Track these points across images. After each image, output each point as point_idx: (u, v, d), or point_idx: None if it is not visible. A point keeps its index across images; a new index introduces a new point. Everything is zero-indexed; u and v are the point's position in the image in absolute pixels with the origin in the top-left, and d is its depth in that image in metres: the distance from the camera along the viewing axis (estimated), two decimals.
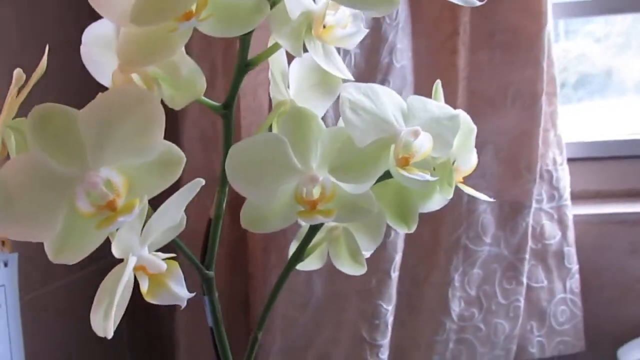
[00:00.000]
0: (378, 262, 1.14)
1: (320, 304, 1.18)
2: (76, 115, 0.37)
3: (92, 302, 0.38)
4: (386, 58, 1.10)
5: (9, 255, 0.84)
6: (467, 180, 0.51)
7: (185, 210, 0.43)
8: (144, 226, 0.40)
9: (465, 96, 1.16)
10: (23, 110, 0.38)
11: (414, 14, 1.14)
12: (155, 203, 0.40)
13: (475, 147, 0.51)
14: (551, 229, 1.23)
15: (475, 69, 1.16)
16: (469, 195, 0.52)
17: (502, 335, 1.21)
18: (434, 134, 0.46)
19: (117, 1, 0.40)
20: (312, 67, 0.50)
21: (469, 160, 0.51)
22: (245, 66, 0.46)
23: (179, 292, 0.41)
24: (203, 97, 0.46)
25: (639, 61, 1.51)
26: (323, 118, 0.49)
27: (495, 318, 1.21)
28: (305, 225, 0.51)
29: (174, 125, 1.16)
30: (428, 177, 0.45)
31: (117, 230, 0.38)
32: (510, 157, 1.17)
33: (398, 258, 1.16)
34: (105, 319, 0.38)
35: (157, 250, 0.43)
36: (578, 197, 1.34)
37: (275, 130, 0.51)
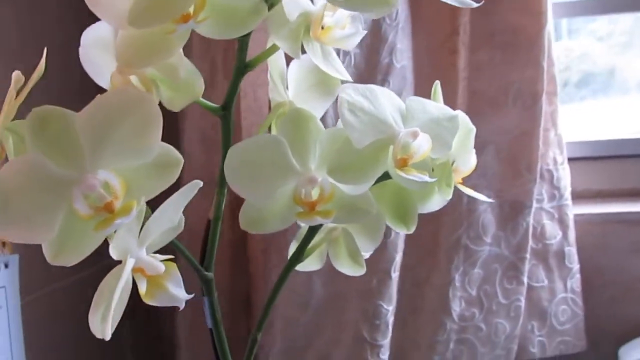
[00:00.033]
0: (378, 262, 1.14)
1: (320, 304, 1.18)
2: (74, 118, 0.37)
3: None
4: (386, 58, 1.10)
5: (10, 256, 0.84)
6: (467, 180, 0.51)
7: (184, 212, 0.43)
8: (142, 228, 0.40)
9: (466, 96, 1.16)
10: (23, 111, 0.38)
11: (414, 14, 1.14)
12: (154, 205, 0.40)
13: (476, 147, 0.51)
14: (552, 229, 1.23)
15: (476, 69, 1.16)
16: (469, 195, 0.52)
17: (503, 335, 1.21)
18: (432, 135, 0.46)
19: (114, 3, 0.40)
20: (310, 68, 0.50)
21: (468, 161, 0.52)
22: (243, 68, 0.46)
23: (177, 293, 0.42)
24: (201, 99, 0.46)
25: None
26: (323, 119, 0.49)
27: (496, 318, 1.21)
28: (304, 226, 0.51)
29: (175, 126, 1.16)
30: (426, 178, 0.45)
31: (115, 232, 0.38)
32: (510, 157, 1.17)
33: (398, 258, 1.16)
34: (103, 321, 0.38)
35: (156, 252, 0.43)
36: (580, 196, 1.34)
37: (274, 131, 0.51)
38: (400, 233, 1.12)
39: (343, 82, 0.49)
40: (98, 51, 0.46)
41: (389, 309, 1.17)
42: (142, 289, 0.40)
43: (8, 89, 0.42)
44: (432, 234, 1.20)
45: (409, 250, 1.19)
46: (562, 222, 1.23)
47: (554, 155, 1.22)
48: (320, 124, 0.46)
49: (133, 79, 0.43)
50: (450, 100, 1.12)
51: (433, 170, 0.49)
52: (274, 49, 0.47)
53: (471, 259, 1.19)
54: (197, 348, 1.22)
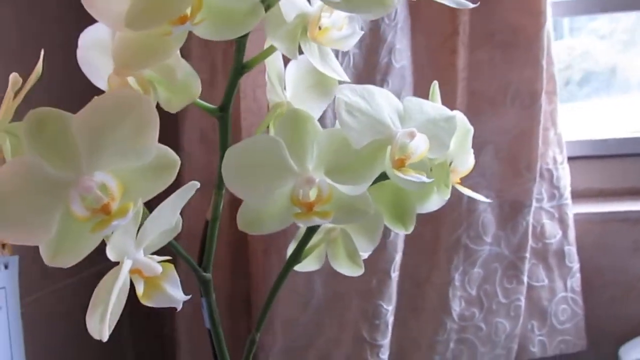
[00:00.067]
0: (378, 262, 1.14)
1: (320, 304, 1.18)
2: (71, 120, 0.37)
3: None
4: (385, 58, 1.10)
5: (10, 257, 0.84)
6: (467, 180, 0.51)
7: (184, 213, 0.43)
8: (139, 229, 0.40)
9: (465, 96, 1.16)
10: (24, 111, 0.38)
11: (413, 14, 1.14)
12: (153, 206, 0.40)
13: (475, 146, 0.51)
14: (552, 228, 1.23)
15: (475, 68, 1.16)
16: (468, 195, 0.52)
17: (503, 335, 1.21)
18: (430, 135, 0.46)
19: (111, 5, 0.40)
20: (308, 69, 0.50)
21: (466, 161, 0.52)
22: (241, 69, 0.46)
23: (175, 294, 0.42)
24: (199, 100, 0.46)
25: None
26: (322, 119, 0.49)
27: (496, 317, 1.21)
28: (303, 226, 0.51)
29: (175, 126, 1.16)
30: (424, 178, 0.45)
31: (112, 233, 0.38)
32: (510, 157, 1.17)
33: (398, 258, 1.16)
34: (101, 322, 0.38)
35: (154, 253, 0.43)
36: (580, 195, 1.34)
37: (272, 132, 0.51)
38: (400, 233, 1.12)
39: (341, 82, 0.49)
40: (96, 53, 0.46)
41: (389, 308, 1.17)
42: (140, 290, 0.40)
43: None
44: (432, 234, 1.20)
45: (409, 250, 1.19)
46: (562, 222, 1.23)
47: (553, 154, 1.22)
48: (318, 124, 0.46)
49: (130, 80, 0.43)
50: (449, 100, 1.13)
51: (431, 170, 0.49)
52: (272, 49, 0.47)
53: (471, 259, 1.19)
54: (198, 348, 1.22)
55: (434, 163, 0.49)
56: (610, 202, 1.34)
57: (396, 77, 1.11)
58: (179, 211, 0.43)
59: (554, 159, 1.22)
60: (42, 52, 0.44)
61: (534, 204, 1.19)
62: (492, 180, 1.17)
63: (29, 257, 0.89)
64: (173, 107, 0.45)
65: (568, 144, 1.26)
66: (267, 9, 0.43)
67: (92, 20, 0.44)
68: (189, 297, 0.42)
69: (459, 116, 0.50)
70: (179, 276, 0.42)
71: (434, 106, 0.49)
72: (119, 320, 0.40)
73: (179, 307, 0.42)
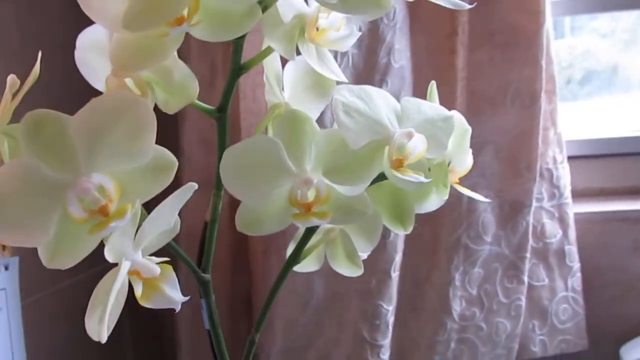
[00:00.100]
0: (378, 262, 1.14)
1: (320, 305, 1.18)
2: (68, 121, 0.37)
3: None
4: (384, 58, 1.10)
5: (10, 258, 0.85)
6: (466, 180, 0.51)
7: (184, 214, 0.43)
8: (137, 231, 0.40)
9: (465, 96, 1.16)
10: (24, 112, 0.38)
11: (412, 14, 1.14)
12: (151, 207, 0.41)
13: (475, 146, 0.51)
14: (552, 228, 1.23)
15: (474, 68, 1.16)
16: (468, 195, 0.52)
17: (504, 335, 1.21)
18: (428, 135, 0.46)
19: (109, 7, 0.40)
20: (306, 70, 0.50)
21: (464, 161, 0.52)
22: (238, 70, 0.46)
23: (173, 295, 0.42)
24: (197, 101, 0.46)
25: None
26: (321, 120, 0.49)
27: (496, 317, 1.21)
28: (301, 227, 0.51)
29: (174, 127, 1.16)
30: (422, 178, 0.45)
31: (110, 234, 0.38)
32: (510, 157, 1.17)
33: (398, 258, 1.16)
34: (100, 324, 0.38)
35: (153, 254, 0.43)
36: (581, 194, 1.34)
37: (270, 132, 0.51)
38: (400, 233, 1.12)
39: (338, 83, 0.49)
40: (93, 54, 0.46)
41: (389, 309, 1.17)
42: (138, 291, 0.40)
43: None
44: (432, 234, 1.20)
45: (409, 250, 1.19)
46: (562, 221, 1.23)
47: (553, 154, 1.22)
48: (316, 125, 0.46)
49: (128, 81, 0.43)
50: (449, 100, 1.13)
51: (429, 170, 0.49)
52: (269, 50, 0.47)
53: (471, 259, 1.19)
54: (197, 349, 1.22)
55: (432, 163, 0.49)
56: (610, 201, 1.34)
57: (395, 77, 1.11)
58: (177, 212, 0.43)
59: (554, 159, 1.22)
60: (40, 54, 0.44)
61: (534, 203, 1.19)
62: (492, 180, 1.17)
63: (29, 258, 0.89)
64: (171, 109, 0.45)
65: (568, 143, 1.26)
66: (264, 10, 0.43)
67: (92, 21, 0.45)
68: (187, 298, 0.42)
69: (457, 116, 0.50)
70: (179, 277, 0.42)
71: (431, 106, 0.49)
72: (119, 321, 0.40)
73: (178, 308, 0.42)
